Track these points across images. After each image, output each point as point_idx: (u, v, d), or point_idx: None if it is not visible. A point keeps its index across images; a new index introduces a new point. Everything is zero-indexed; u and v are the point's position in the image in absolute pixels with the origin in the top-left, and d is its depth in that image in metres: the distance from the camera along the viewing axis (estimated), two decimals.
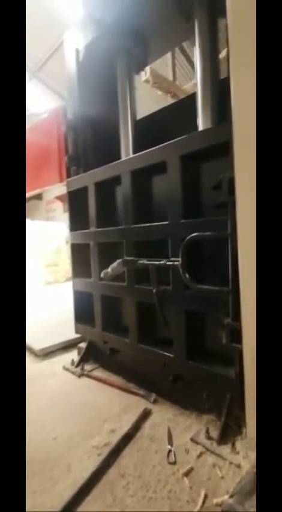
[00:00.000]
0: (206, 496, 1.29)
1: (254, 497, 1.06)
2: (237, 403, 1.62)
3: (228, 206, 1.47)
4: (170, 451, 1.57)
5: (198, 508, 1.25)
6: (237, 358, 1.52)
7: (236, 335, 1.47)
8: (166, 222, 1.90)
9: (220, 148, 1.56)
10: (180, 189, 1.82)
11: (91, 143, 2.78)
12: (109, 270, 2.33)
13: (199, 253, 1.88)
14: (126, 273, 2.21)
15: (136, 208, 2.16)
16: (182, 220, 1.81)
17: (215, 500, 1.27)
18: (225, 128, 1.48)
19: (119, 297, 2.41)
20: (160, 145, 1.92)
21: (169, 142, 1.86)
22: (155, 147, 1.96)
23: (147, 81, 5.01)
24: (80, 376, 2.48)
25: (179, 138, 1.80)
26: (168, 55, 5.85)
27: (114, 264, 2.26)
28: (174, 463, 1.50)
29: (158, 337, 2.22)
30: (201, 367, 1.79)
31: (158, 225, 1.97)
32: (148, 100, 7.25)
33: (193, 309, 1.83)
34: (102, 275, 2.40)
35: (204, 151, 1.72)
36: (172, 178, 1.85)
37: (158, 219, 2.01)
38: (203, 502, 1.27)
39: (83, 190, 2.58)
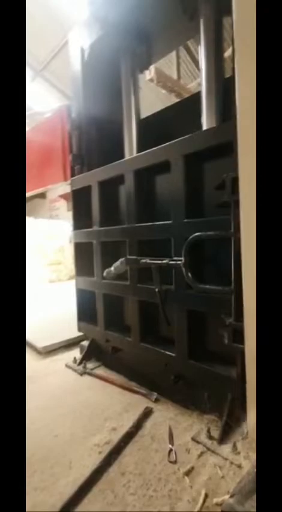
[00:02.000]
0: (206, 496, 1.29)
1: (255, 498, 1.06)
2: (238, 403, 1.62)
3: (231, 205, 1.46)
4: (170, 450, 1.58)
5: (198, 507, 1.25)
6: (240, 358, 1.52)
7: (239, 335, 1.47)
8: (169, 222, 1.90)
9: (224, 147, 1.56)
10: (184, 189, 1.81)
11: (95, 142, 2.78)
12: (112, 268, 2.33)
13: (202, 253, 1.87)
14: (129, 272, 2.21)
15: (139, 207, 2.16)
16: (185, 220, 1.80)
17: (215, 500, 1.26)
18: (228, 127, 1.48)
19: (121, 295, 2.41)
20: (164, 145, 1.92)
21: (173, 141, 1.85)
22: (158, 146, 1.95)
23: (151, 80, 4.99)
24: (82, 374, 2.49)
25: (182, 137, 1.80)
26: (173, 54, 5.82)
27: (117, 263, 2.27)
28: (175, 462, 1.50)
29: (160, 336, 2.22)
30: (202, 367, 1.79)
31: (161, 224, 1.97)
32: (152, 99, 7.23)
33: (195, 309, 1.83)
34: (105, 274, 2.41)
35: (208, 150, 1.71)
36: (176, 178, 1.85)
37: (161, 218, 2.01)
38: (204, 502, 1.27)
39: (87, 189, 2.59)
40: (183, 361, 1.89)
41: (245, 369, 1.43)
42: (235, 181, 1.40)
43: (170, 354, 1.97)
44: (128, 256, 2.17)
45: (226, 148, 1.51)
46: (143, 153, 2.10)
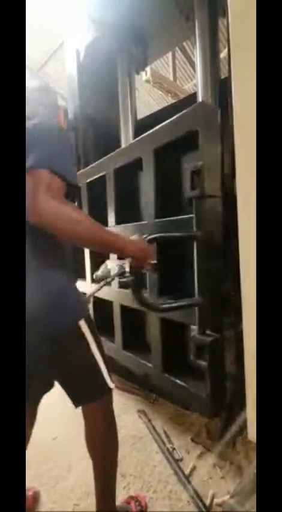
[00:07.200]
0: (213, 496, 1.28)
1: (255, 498, 1.06)
2: (238, 402, 1.62)
3: (192, 202, 1.35)
4: (173, 449, 1.57)
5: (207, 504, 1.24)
6: (208, 376, 1.39)
7: (203, 351, 1.35)
8: (144, 222, 1.77)
9: (191, 137, 1.43)
10: (153, 186, 1.67)
11: (92, 143, 2.78)
12: (99, 271, 2.26)
13: (171, 257, 1.70)
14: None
15: (118, 207, 2.06)
16: (156, 220, 1.66)
17: (216, 501, 1.26)
18: (194, 112, 1.40)
19: (108, 299, 2.24)
20: (137, 139, 1.79)
21: (143, 135, 1.74)
22: (132, 141, 1.82)
23: (147, 81, 5.00)
24: None
25: (152, 130, 1.67)
26: (169, 55, 5.84)
27: (103, 266, 2.20)
28: (176, 461, 1.49)
29: (145, 343, 2.07)
30: (176, 382, 1.60)
31: (134, 225, 1.85)
32: (149, 100, 7.25)
33: (168, 318, 1.65)
34: (94, 277, 2.34)
35: (175, 142, 1.58)
36: (146, 174, 1.71)
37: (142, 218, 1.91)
38: (211, 502, 1.26)
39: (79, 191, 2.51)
40: (159, 373, 1.73)
41: (243, 367, 1.42)
42: (197, 174, 1.29)
43: (148, 364, 1.80)
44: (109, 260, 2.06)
45: (193, 139, 1.40)
46: (119, 149, 2.00)
